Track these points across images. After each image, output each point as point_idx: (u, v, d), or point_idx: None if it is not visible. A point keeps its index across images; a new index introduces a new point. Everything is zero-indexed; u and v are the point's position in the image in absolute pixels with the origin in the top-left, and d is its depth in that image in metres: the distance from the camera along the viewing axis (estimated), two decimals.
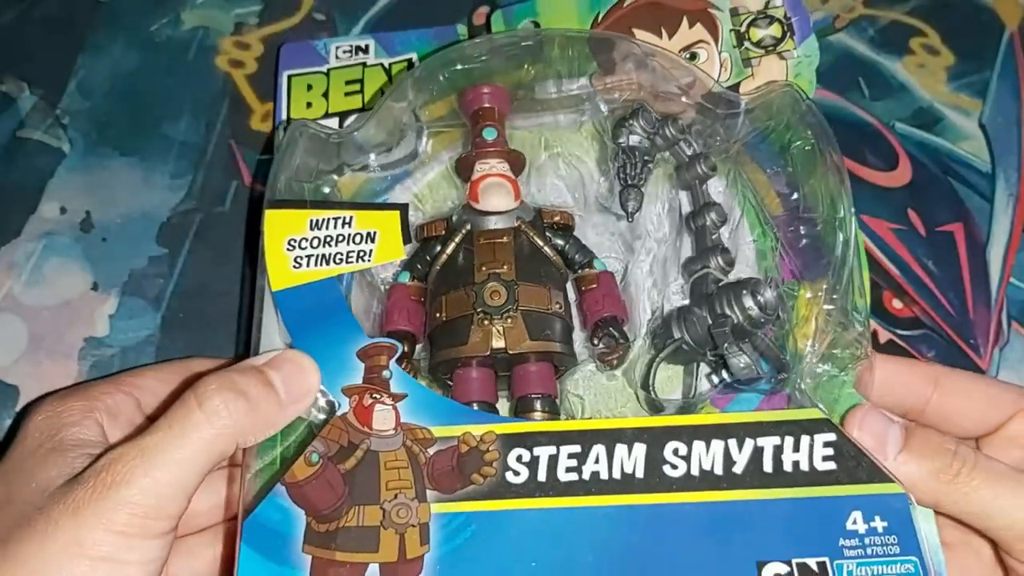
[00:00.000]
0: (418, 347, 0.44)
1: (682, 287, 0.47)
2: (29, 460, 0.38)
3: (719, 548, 0.37)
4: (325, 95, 0.52)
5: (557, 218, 0.46)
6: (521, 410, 0.43)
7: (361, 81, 0.53)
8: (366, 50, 0.54)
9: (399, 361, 0.41)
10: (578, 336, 0.45)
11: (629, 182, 0.46)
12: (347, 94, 0.52)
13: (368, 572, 0.37)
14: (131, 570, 0.34)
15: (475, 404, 0.42)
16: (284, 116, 0.52)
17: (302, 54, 0.54)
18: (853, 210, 0.43)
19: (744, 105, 0.47)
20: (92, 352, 0.50)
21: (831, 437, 0.39)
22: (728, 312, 0.43)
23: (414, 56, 0.53)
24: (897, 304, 0.54)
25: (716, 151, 0.48)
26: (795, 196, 0.46)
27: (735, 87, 0.50)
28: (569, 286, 0.46)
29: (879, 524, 0.37)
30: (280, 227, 0.43)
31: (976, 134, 0.57)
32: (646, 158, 0.47)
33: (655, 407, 0.44)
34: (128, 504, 0.34)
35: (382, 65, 0.53)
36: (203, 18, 0.57)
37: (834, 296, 0.42)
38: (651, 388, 0.44)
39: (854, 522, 0.37)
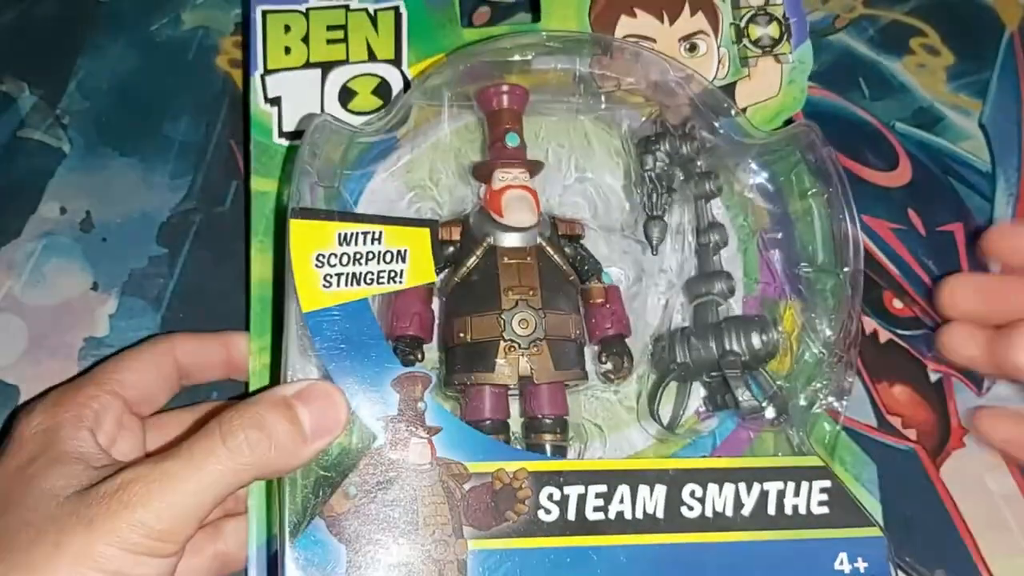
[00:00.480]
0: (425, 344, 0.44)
1: (682, 304, 0.47)
2: (30, 468, 0.38)
3: None
4: (305, 40, 0.50)
5: (570, 229, 0.46)
6: (533, 429, 0.43)
7: (344, 28, 0.50)
8: None
9: (408, 357, 0.42)
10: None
11: (654, 213, 0.46)
12: (329, 41, 0.50)
13: None
14: None
15: (488, 421, 0.43)
16: (260, 61, 0.49)
17: None
18: (862, 266, 0.44)
19: (760, 137, 0.47)
20: (92, 352, 0.50)
21: (827, 484, 0.42)
22: (736, 349, 0.44)
23: (400, 3, 0.50)
24: (897, 304, 0.54)
25: (723, 170, 0.48)
26: (799, 244, 0.47)
27: (731, 86, 0.50)
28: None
29: (861, 565, 0.41)
30: (307, 240, 0.41)
31: (976, 134, 0.57)
32: (672, 186, 0.47)
33: (659, 425, 0.46)
34: (142, 526, 0.34)
35: (367, 11, 0.50)
36: (203, 18, 0.56)
37: (833, 345, 0.44)
38: (656, 414, 0.45)
39: (840, 562, 0.41)
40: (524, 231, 0.44)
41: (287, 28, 0.50)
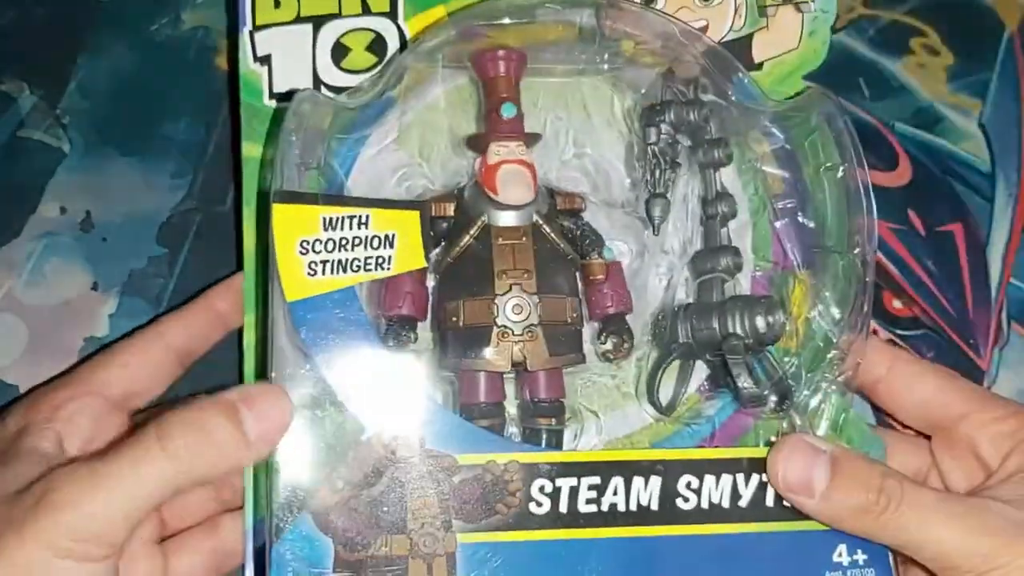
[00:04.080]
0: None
1: (686, 279, 0.46)
2: None
3: None
4: None
5: (570, 203, 0.45)
6: (529, 412, 0.43)
7: None
8: None
9: (401, 337, 0.41)
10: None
11: (656, 190, 0.45)
12: None
13: None
14: None
15: (483, 404, 0.42)
16: (248, 17, 0.47)
17: None
18: (874, 247, 0.43)
19: (773, 107, 0.46)
20: (92, 352, 0.50)
21: None
22: (739, 331, 0.42)
23: None
24: (897, 304, 0.54)
25: (734, 135, 0.46)
26: (812, 222, 0.45)
27: (748, 38, 0.48)
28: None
29: (860, 557, 0.41)
30: (291, 225, 0.40)
31: (976, 134, 0.57)
32: (676, 160, 0.45)
33: (658, 408, 0.45)
34: (70, 529, 0.33)
35: None
36: (203, 18, 0.56)
37: (838, 320, 0.43)
38: (656, 395, 0.45)
39: (839, 554, 0.41)
40: (519, 209, 0.43)
41: None
